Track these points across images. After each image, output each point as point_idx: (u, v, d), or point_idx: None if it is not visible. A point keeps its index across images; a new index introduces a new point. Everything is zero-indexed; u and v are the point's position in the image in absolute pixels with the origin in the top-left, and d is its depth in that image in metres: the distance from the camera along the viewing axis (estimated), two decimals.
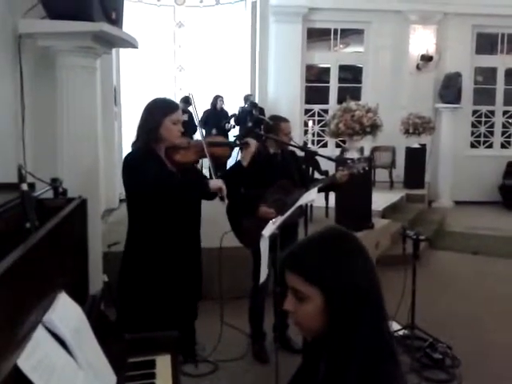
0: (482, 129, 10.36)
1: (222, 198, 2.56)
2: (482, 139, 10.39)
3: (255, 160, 2.78)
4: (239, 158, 2.90)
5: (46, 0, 2.67)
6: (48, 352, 1.11)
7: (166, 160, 2.54)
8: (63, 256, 1.51)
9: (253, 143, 2.76)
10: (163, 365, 1.70)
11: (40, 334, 1.12)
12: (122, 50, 7.04)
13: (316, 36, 10.01)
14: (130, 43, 3.13)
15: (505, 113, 10.37)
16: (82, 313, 1.38)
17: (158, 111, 2.50)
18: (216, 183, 2.54)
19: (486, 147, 10.41)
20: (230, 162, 3.39)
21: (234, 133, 9.02)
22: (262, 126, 3.56)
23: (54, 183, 1.78)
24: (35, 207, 1.40)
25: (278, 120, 3.48)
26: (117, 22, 2.89)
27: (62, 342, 1.19)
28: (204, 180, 2.60)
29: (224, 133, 8.76)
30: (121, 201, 6.61)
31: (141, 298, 2.48)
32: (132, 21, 7.08)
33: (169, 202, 2.45)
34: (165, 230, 2.48)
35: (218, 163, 2.82)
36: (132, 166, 2.45)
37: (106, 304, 1.93)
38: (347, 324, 1.05)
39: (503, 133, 10.42)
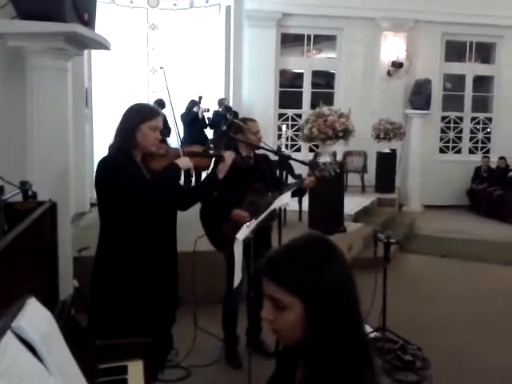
0: (451, 134, 10.62)
1: (189, 176, 2.59)
2: (450, 145, 10.66)
3: (231, 172, 2.77)
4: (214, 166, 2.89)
5: (17, 0, 2.62)
6: (17, 358, 1.09)
7: (142, 166, 2.48)
8: (32, 261, 1.48)
9: (229, 157, 2.74)
10: (135, 371, 1.69)
11: (8, 340, 1.10)
12: (94, 52, 6.95)
13: (289, 41, 10.11)
14: (102, 45, 3.10)
15: (473, 119, 10.66)
16: (51, 318, 1.35)
17: (135, 116, 2.44)
18: (185, 163, 2.53)
19: (455, 152, 10.68)
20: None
21: (210, 133, 8.99)
22: (232, 128, 3.57)
23: (24, 186, 1.75)
24: (4, 210, 1.38)
25: (244, 120, 3.51)
26: (89, 23, 2.86)
27: (31, 348, 1.17)
28: (172, 164, 2.53)
29: (203, 138, 8.69)
30: (92, 204, 6.51)
31: (115, 304, 2.43)
32: (105, 22, 7.01)
33: (143, 207, 2.41)
34: (139, 234, 2.43)
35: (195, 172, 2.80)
36: (106, 173, 2.39)
37: (77, 309, 1.90)
38: (328, 330, 1.05)
39: (471, 138, 10.71)
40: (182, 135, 8.63)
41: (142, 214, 2.41)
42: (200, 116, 8.61)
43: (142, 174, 2.45)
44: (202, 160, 2.73)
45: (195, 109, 8.54)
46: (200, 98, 8.62)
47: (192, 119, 8.50)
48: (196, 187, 2.79)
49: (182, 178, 2.65)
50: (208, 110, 8.74)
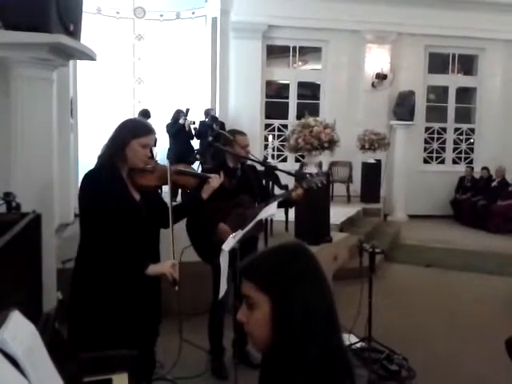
0: (435, 145, 10.76)
1: (172, 284, 2.40)
2: (434, 155, 10.79)
3: (216, 190, 2.75)
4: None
5: (1, 10, 2.61)
6: None
7: (127, 181, 2.47)
8: (16, 273, 1.47)
9: (216, 180, 2.73)
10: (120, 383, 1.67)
11: None
12: (80, 61, 6.93)
13: (275, 53, 10.19)
14: (87, 55, 3.09)
15: (456, 130, 10.81)
16: (35, 331, 1.34)
17: (127, 131, 2.44)
18: (156, 269, 2.39)
19: (439, 163, 10.81)
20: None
21: (196, 143, 8.98)
22: (221, 140, 3.57)
23: (7, 197, 1.74)
24: None
25: (234, 133, 3.51)
26: (75, 33, 2.85)
27: (14, 362, 1.15)
28: (145, 262, 2.40)
29: (188, 144, 8.66)
30: (76, 215, 6.45)
31: (95, 317, 2.39)
32: (91, 32, 7.01)
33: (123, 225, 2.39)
34: (120, 248, 2.39)
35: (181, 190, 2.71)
36: (90, 190, 2.36)
37: (61, 322, 1.87)
38: (291, 338, 1.05)
39: (454, 149, 10.85)
40: (167, 146, 8.62)
41: (123, 228, 2.39)
42: (187, 128, 8.59)
43: (127, 198, 2.43)
44: (188, 179, 2.71)
45: (181, 121, 8.50)
46: (187, 110, 8.59)
47: (177, 131, 8.48)
48: (179, 206, 2.78)
49: (168, 192, 2.62)
50: (194, 123, 8.72)
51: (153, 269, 2.38)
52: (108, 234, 2.34)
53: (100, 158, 2.47)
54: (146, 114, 8.15)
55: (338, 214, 7.08)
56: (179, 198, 5.81)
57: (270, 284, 1.09)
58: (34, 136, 2.84)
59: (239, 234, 2.81)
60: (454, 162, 10.86)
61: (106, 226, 2.33)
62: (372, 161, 9.24)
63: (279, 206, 3.19)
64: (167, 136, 8.58)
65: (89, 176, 2.41)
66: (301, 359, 1.04)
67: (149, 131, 2.49)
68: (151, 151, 2.53)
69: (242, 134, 3.48)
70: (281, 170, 3.64)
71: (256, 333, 1.11)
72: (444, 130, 10.77)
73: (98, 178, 2.39)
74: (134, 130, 2.44)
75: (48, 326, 1.60)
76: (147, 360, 2.66)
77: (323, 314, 1.09)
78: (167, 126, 8.54)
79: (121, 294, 2.40)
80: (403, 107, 9.69)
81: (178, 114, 8.63)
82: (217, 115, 9.08)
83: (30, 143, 2.83)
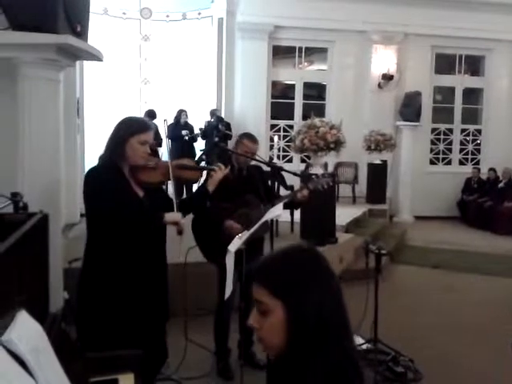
0: (441, 146, 10.71)
1: (179, 232, 2.50)
2: (440, 156, 10.74)
3: (222, 185, 2.76)
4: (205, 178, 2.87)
5: (9, 10, 2.63)
6: (6, 372, 1.08)
7: (130, 178, 2.48)
8: (23, 273, 1.47)
9: (219, 172, 2.72)
10: None
11: None
12: (87, 62, 6.95)
13: (281, 53, 10.18)
14: (94, 56, 3.10)
15: (463, 131, 10.76)
16: (42, 331, 1.34)
17: (125, 128, 2.45)
18: (172, 217, 2.48)
19: (445, 164, 10.77)
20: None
21: (199, 146, 9.01)
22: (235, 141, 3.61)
23: (15, 198, 1.74)
24: None
25: (244, 135, 3.50)
26: (82, 34, 2.86)
27: (21, 362, 1.15)
28: (159, 213, 2.49)
29: (189, 146, 8.72)
30: (82, 215, 6.46)
31: (103, 316, 2.41)
32: (97, 33, 7.03)
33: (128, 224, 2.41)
34: (127, 247, 2.41)
35: (186, 185, 2.73)
36: (94, 185, 2.38)
37: (67, 322, 1.88)
38: (307, 342, 1.05)
39: (461, 150, 10.80)
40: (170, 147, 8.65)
41: (128, 227, 2.40)
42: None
43: (129, 192, 2.44)
44: (192, 173, 2.72)
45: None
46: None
47: (176, 137, 8.51)
48: (186, 200, 2.78)
49: (173, 189, 2.63)
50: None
51: (168, 217, 2.46)
52: (113, 229, 2.36)
53: (101, 158, 2.49)
54: (151, 114, 8.17)
55: (344, 214, 7.05)
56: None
57: (283, 289, 1.07)
58: (40, 136, 2.85)
59: (245, 234, 2.80)
60: (461, 163, 10.81)
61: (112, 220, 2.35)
62: (378, 162, 9.21)
63: (285, 207, 3.18)
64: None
65: (91, 172, 2.44)
66: (315, 362, 1.04)
67: (146, 128, 2.49)
68: (153, 150, 2.53)
69: (251, 139, 3.43)
70: (287, 171, 3.63)
71: (269, 338, 1.10)
72: (450, 130, 10.72)
73: (100, 174, 2.41)
74: (132, 128, 2.45)
75: (55, 326, 1.61)
76: (157, 357, 2.67)
77: (336, 316, 1.09)
78: (168, 126, 8.57)
79: (129, 292, 2.42)
80: (409, 108, 9.65)
81: (180, 114, 8.67)
82: (222, 115, 9.09)
83: (37, 143, 2.84)
